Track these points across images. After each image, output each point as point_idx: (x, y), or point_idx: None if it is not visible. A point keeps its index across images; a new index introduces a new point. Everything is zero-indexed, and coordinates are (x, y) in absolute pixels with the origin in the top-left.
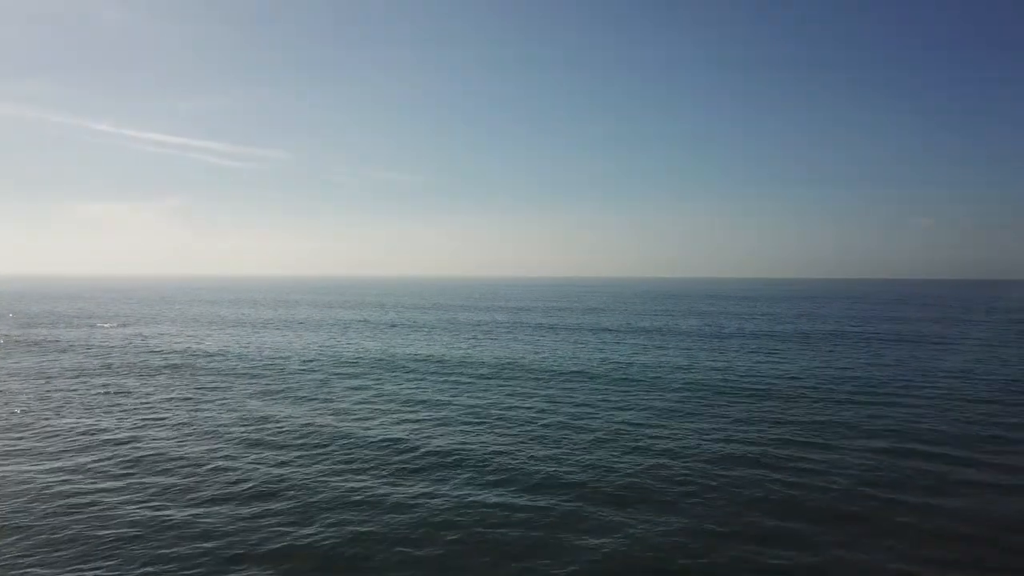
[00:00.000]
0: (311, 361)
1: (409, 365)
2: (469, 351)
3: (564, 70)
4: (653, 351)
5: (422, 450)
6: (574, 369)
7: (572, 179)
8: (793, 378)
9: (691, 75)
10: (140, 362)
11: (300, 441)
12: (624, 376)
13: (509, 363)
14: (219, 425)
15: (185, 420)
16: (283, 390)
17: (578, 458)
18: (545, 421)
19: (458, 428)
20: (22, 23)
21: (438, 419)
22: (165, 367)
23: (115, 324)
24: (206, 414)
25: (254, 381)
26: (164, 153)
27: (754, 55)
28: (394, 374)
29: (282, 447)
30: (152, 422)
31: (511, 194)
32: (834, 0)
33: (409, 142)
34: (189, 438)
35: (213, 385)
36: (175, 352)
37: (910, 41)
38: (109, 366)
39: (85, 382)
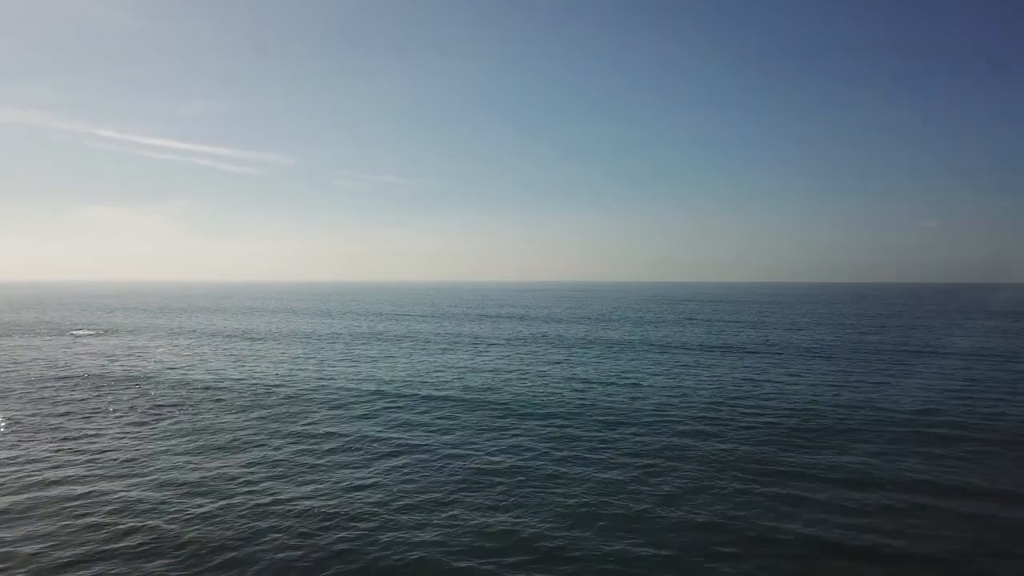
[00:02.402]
0: (288, 383)
1: (395, 391)
2: (466, 371)
3: (566, 73)
4: (665, 367)
5: (390, 542)
6: (582, 398)
7: (576, 183)
8: (802, 405)
9: (689, 75)
10: (102, 375)
11: (231, 504)
12: (641, 408)
13: (511, 391)
14: (150, 462)
15: (116, 448)
16: (240, 423)
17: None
18: (551, 481)
19: (443, 496)
20: (26, 28)
21: (417, 484)
22: (127, 382)
23: (96, 331)
24: (146, 446)
25: (212, 406)
26: (168, 159)
27: (753, 54)
28: (377, 402)
29: (196, 515)
30: (78, 453)
31: (515, 198)
32: None
33: (412, 146)
34: (107, 476)
35: (165, 410)
36: (143, 365)
37: (913, 39)
38: (64, 378)
39: (26, 398)
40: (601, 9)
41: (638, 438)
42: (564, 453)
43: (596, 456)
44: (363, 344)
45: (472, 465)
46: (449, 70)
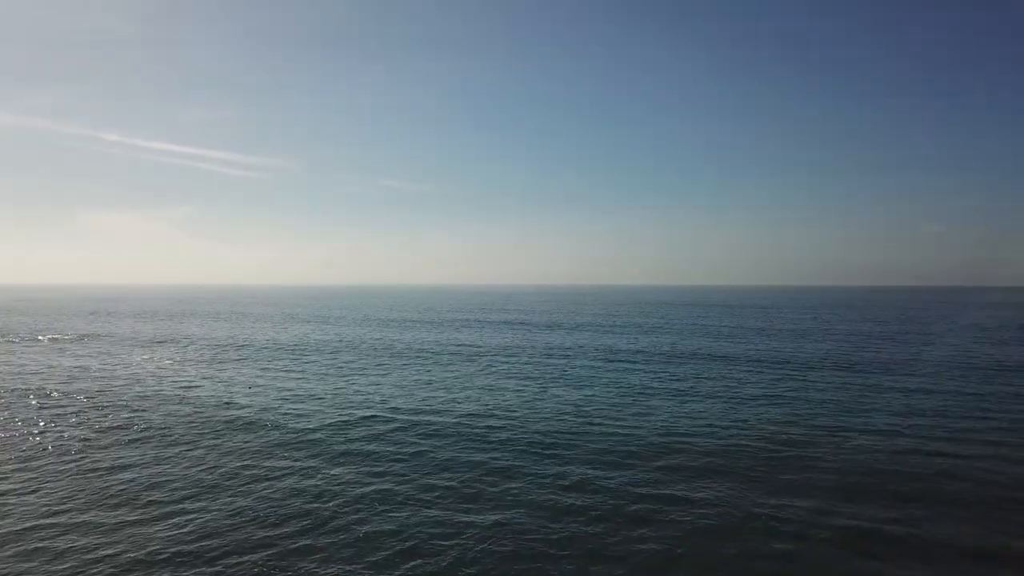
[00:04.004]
0: (255, 404)
1: (372, 415)
2: (456, 389)
3: (575, 76)
4: (673, 382)
5: None
6: (585, 425)
7: (578, 184)
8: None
9: (693, 76)
10: (54, 387)
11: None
12: (652, 438)
13: (505, 416)
14: (63, 498)
15: (32, 480)
16: (187, 454)
17: None
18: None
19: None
20: (33, 34)
21: (375, 554)
22: (77, 395)
23: (71, 337)
24: (68, 479)
25: (162, 429)
26: (173, 163)
27: (754, 55)
28: (350, 430)
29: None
30: None
31: (515, 201)
32: None
33: (417, 151)
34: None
35: (103, 433)
36: (105, 376)
37: (919, 38)
38: (11, 391)
39: None
40: (613, 11)
41: (653, 479)
42: (569, 501)
43: (620, 513)
44: (349, 356)
45: (451, 529)
46: (459, 76)
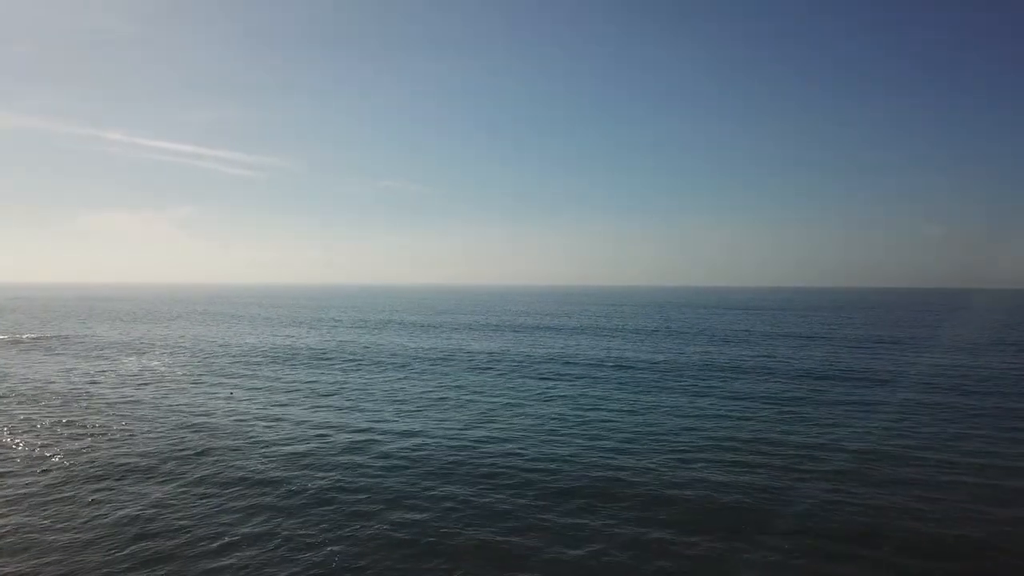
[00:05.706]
0: (218, 420)
1: (351, 440)
2: (449, 408)
3: (575, 76)
4: (703, 401)
5: None
6: (606, 458)
7: (583, 187)
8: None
9: (693, 76)
10: (26, 392)
11: None
12: (683, 473)
13: (507, 445)
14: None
15: None
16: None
17: None
18: None
19: None
20: (33, 34)
21: None
22: (43, 403)
23: (55, 339)
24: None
25: (117, 442)
26: (176, 162)
27: (754, 55)
28: (322, 469)
29: None
30: None
31: (519, 202)
32: None
33: (416, 151)
34: None
35: (51, 444)
36: (76, 385)
37: (919, 38)
38: None
39: None
40: (601, 19)
41: (676, 534)
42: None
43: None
44: (340, 364)
45: None
46: (450, 76)
